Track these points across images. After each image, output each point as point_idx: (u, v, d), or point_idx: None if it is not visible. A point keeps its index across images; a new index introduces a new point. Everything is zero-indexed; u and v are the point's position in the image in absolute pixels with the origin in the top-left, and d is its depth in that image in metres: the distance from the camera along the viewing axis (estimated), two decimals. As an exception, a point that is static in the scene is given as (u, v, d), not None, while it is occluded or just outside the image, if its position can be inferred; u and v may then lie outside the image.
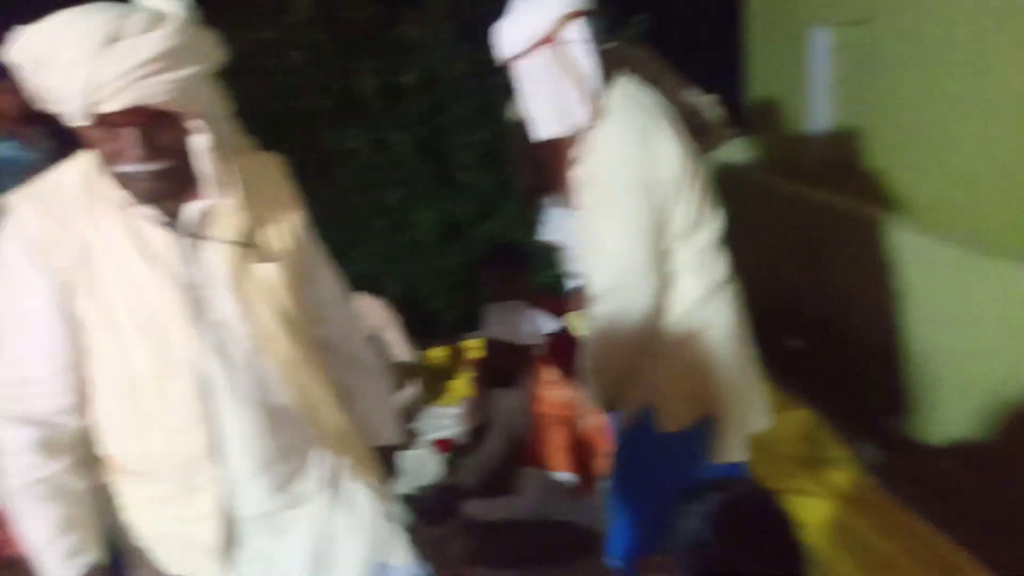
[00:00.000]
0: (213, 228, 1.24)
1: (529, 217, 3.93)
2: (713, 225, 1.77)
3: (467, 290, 4.24)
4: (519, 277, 3.51)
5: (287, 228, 1.33)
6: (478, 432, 3.18)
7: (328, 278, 1.45)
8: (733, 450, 1.82)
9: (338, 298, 1.48)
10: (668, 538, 1.25)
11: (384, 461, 1.54)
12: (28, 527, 1.20)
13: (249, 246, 1.26)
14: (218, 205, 1.22)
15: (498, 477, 2.93)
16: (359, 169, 4.13)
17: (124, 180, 1.14)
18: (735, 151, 4.12)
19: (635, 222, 1.66)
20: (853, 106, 3.76)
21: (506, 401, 2.98)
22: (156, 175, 1.13)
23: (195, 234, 1.22)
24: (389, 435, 1.57)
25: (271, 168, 1.36)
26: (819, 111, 3.97)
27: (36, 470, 1.19)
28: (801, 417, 2.84)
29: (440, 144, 4.19)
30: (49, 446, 1.21)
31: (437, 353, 3.80)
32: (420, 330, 3.70)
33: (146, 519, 1.31)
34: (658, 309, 1.72)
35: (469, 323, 4.07)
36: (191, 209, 1.21)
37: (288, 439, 1.32)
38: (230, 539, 1.31)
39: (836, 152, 3.83)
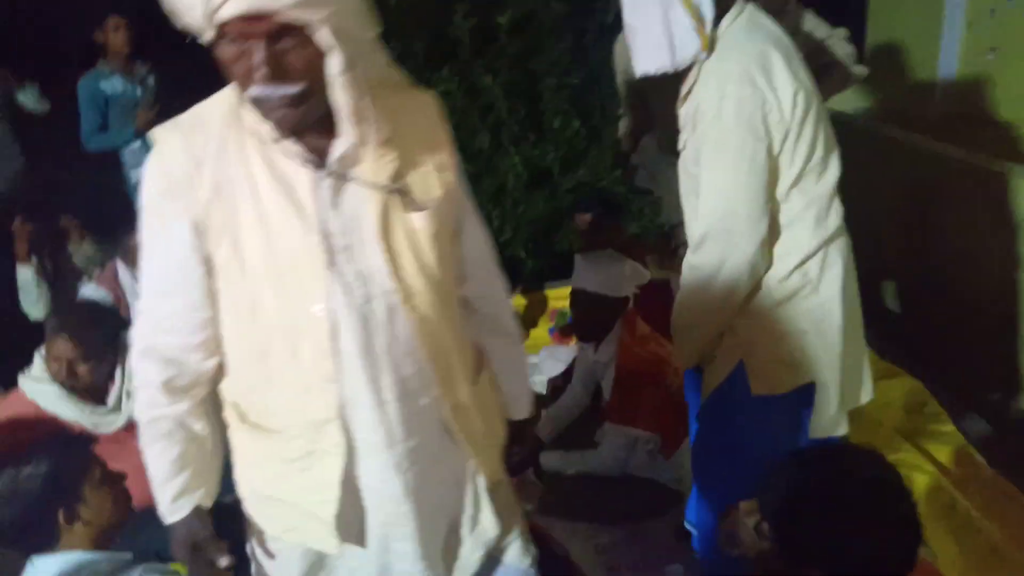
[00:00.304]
0: (359, 170, 1.13)
1: (624, 163, 3.83)
2: (830, 173, 1.63)
3: (552, 238, 4.18)
4: (612, 226, 3.41)
5: (438, 175, 1.21)
6: (559, 384, 3.14)
7: (476, 233, 1.33)
8: (833, 423, 1.69)
9: (485, 256, 1.36)
10: (762, 495, 1.17)
11: (516, 435, 1.48)
12: (148, 461, 1.22)
13: (398, 192, 1.15)
14: (365, 145, 1.12)
15: (577, 431, 2.90)
16: (449, 113, 4.07)
17: (259, 107, 1.05)
18: (851, 97, 3.83)
19: (746, 165, 1.54)
20: (985, 52, 3.42)
21: (590, 354, 2.92)
22: (289, 101, 1.03)
23: (340, 175, 1.12)
24: (523, 408, 1.50)
25: (425, 107, 1.24)
26: (949, 56, 3.63)
27: (158, 407, 1.20)
28: (905, 386, 2.67)
29: (531, 89, 4.09)
30: (173, 384, 1.20)
31: (518, 301, 3.76)
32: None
33: (265, 477, 1.27)
34: (762, 261, 1.61)
35: (552, 272, 4.02)
36: (337, 148, 1.11)
37: (417, 410, 1.23)
38: (348, 513, 1.23)
39: (965, 103, 3.50)
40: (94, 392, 2.22)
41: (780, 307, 1.63)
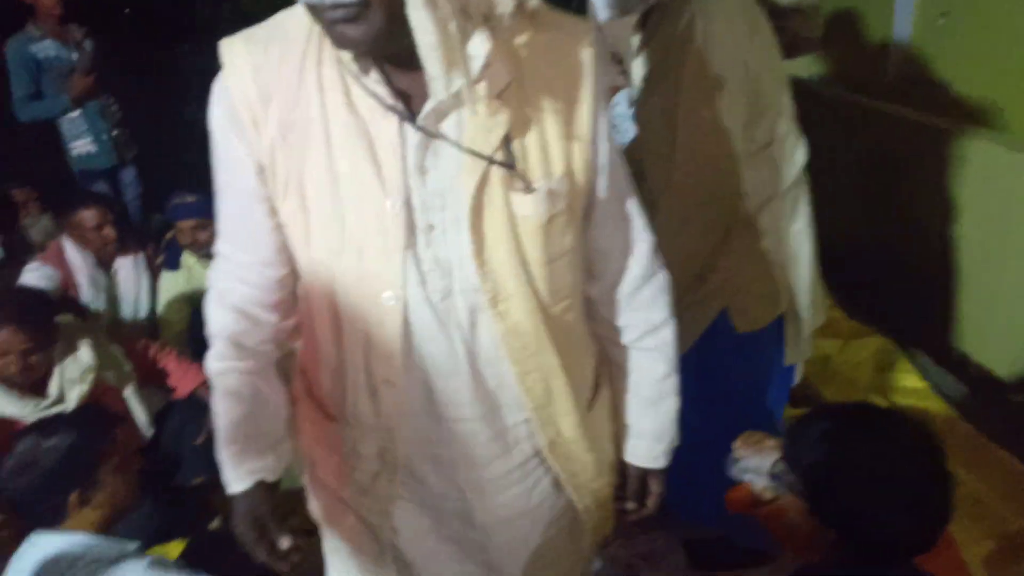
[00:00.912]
0: (459, 129, 0.89)
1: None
2: (788, 113, 1.69)
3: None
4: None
5: (567, 145, 0.94)
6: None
7: (618, 224, 1.05)
8: (806, 348, 1.83)
9: (625, 252, 1.07)
10: (790, 444, 1.16)
11: (635, 487, 1.20)
12: (216, 419, 1.09)
13: (503, 164, 0.90)
14: (469, 96, 0.86)
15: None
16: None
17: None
18: (806, 62, 3.88)
19: (736, 110, 1.56)
20: (937, 17, 3.49)
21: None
22: (345, 14, 0.78)
23: (431, 132, 0.89)
24: (652, 453, 1.18)
25: (574, 50, 0.93)
26: (902, 20, 3.69)
27: (227, 360, 1.06)
28: (875, 345, 2.74)
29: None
30: (244, 340, 1.06)
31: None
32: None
33: (330, 468, 1.14)
34: (739, 201, 1.64)
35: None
36: (442, 94, 0.85)
37: (501, 431, 1.06)
38: (410, 543, 1.13)
39: (918, 67, 3.58)
40: (37, 385, 2.09)
41: (758, 244, 1.68)
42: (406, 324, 0.96)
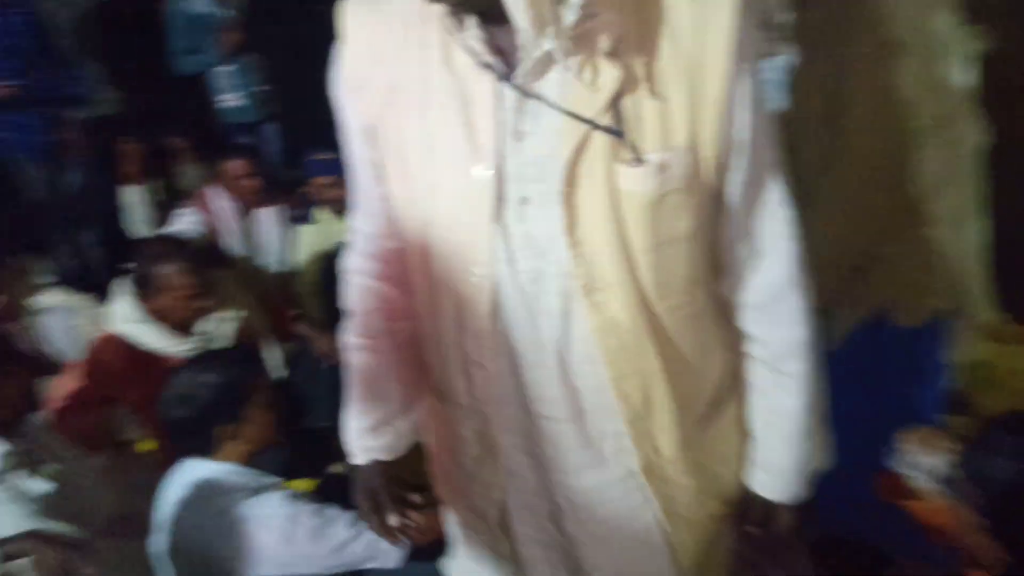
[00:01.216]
0: (560, 88, 0.80)
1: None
2: (970, 89, 1.51)
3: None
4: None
5: (693, 112, 0.80)
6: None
7: (765, 216, 0.88)
8: (964, 349, 1.69)
9: (779, 252, 0.90)
10: (973, 455, 1.07)
11: (759, 514, 1.01)
12: (346, 387, 1.09)
13: (609, 131, 0.79)
14: (574, 51, 0.77)
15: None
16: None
17: None
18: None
19: (915, 80, 1.43)
20: None
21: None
22: None
23: (527, 92, 0.80)
24: (781, 485, 1.00)
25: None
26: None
27: (355, 335, 1.05)
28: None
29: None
30: (369, 315, 1.04)
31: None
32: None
33: (440, 454, 1.12)
34: (909, 184, 1.51)
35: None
36: (534, 50, 0.77)
37: (595, 437, 0.95)
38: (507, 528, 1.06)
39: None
40: (185, 325, 2.24)
41: (921, 232, 1.56)
42: (495, 304, 0.88)
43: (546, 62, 0.78)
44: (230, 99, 3.68)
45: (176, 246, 2.27)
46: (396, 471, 1.09)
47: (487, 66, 0.81)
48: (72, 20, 3.53)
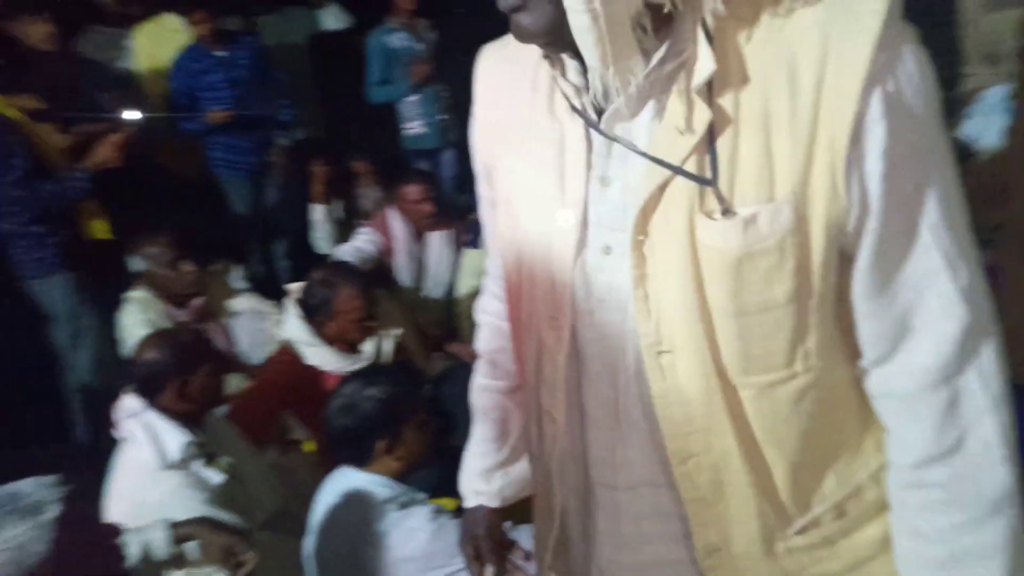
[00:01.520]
0: (648, 132, 0.74)
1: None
2: None
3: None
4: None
5: (817, 159, 0.68)
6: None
7: (917, 288, 0.72)
8: None
9: (934, 333, 0.73)
10: None
11: None
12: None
13: (692, 177, 0.71)
14: (625, 89, 0.71)
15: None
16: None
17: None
18: None
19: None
20: None
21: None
22: (516, 2, 0.70)
23: (609, 135, 0.75)
24: None
25: (843, 24, 0.67)
26: None
27: (481, 376, 1.06)
28: None
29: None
30: (495, 357, 1.04)
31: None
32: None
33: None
34: None
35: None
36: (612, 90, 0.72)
37: (646, 514, 0.85)
38: None
39: None
40: (352, 345, 2.37)
41: None
42: (572, 355, 0.82)
43: (631, 103, 0.72)
44: (413, 127, 3.91)
45: (349, 273, 2.42)
46: (501, 521, 1.08)
47: (576, 110, 0.77)
48: (287, 54, 3.91)
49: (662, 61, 0.70)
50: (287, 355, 2.32)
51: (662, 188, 0.72)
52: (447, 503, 2.19)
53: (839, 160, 0.68)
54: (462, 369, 2.68)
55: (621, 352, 0.79)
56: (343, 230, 3.39)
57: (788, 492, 0.79)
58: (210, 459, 1.75)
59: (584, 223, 0.78)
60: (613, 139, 0.75)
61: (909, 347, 0.73)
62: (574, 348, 0.82)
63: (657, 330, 0.75)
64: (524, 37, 0.72)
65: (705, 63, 0.69)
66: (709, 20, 0.68)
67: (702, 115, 0.70)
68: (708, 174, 0.70)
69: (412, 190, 3.03)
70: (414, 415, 1.76)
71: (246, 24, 3.82)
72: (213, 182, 3.52)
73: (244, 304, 2.89)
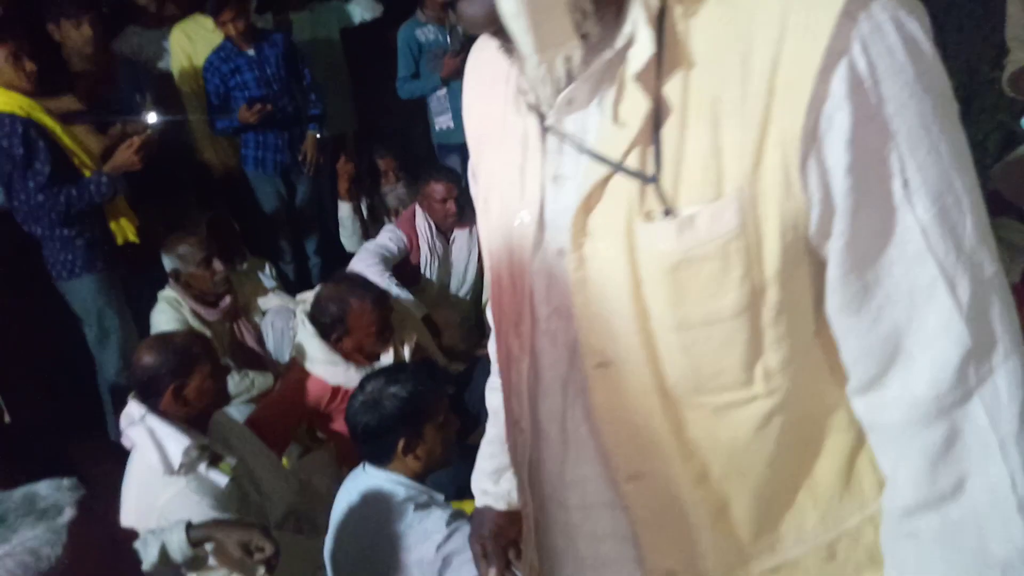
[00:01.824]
0: (596, 125, 0.67)
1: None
2: None
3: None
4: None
5: (770, 151, 0.60)
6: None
7: (913, 296, 0.62)
8: None
9: (926, 359, 0.63)
10: None
11: None
12: None
13: (631, 173, 0.64)
14: (603, 80, 0.65)
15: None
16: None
17: None
18: None
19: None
20: None
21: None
22: None
23: (555, 130, 0.70)
24: None
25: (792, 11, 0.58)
26: None
27: (493, 371, 1.02)
28: None
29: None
30: None
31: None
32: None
33: None
34: None
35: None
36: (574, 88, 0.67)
37: (599, 535, 0.79)
38: None
39: None
40: (370, 358, 2.37)
41: None
42: (533, 365, 0.77)
43: (578, 93, 0.66)
44: (443, 121, 3.91)
45: (359, 287, 2.38)
46: (508, 523, 1.07)
47: (531, 106, 0.71)
48: (320, 49, 3.93)
49: (599, 47, 0.63)
50: (304, 372, 2.31)
51: (603, 185, 0.66)
52: (469, 506, 2.20)
53: (792, 151, 0.59)
54: (484, 365, 2.68)
55: (569, 363, 0.73)
56: (372, 227, 3.42)
57: (751, 526, 0.71)
58: (214, 461, 1.76)
59: (541, 224, 0.72)
60: (560, 135, 0.69)
61: (899, 373, 0.64)
62: (534, 357, 0.76)
63: (598, 340, 0.69)
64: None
65: (643, 47, 0.61)
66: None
67: (639, 105, 0.62)
68: (651, 169, 0.63)
69: (437, 188, 3.04)
70: (436, 414, 1.76)
71: (278, 21, 3.85)
72: (245, 180, 3.57)
73: (274, 302, 2.93)
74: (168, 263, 2.63)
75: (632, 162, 0.64)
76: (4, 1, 2.98)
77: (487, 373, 2.63)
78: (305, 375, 2.30)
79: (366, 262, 2.89)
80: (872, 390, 0.66)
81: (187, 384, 1.79)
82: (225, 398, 1.95)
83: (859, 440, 0.71)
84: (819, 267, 0.64)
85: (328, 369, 2.27)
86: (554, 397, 0.76)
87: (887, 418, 0.66)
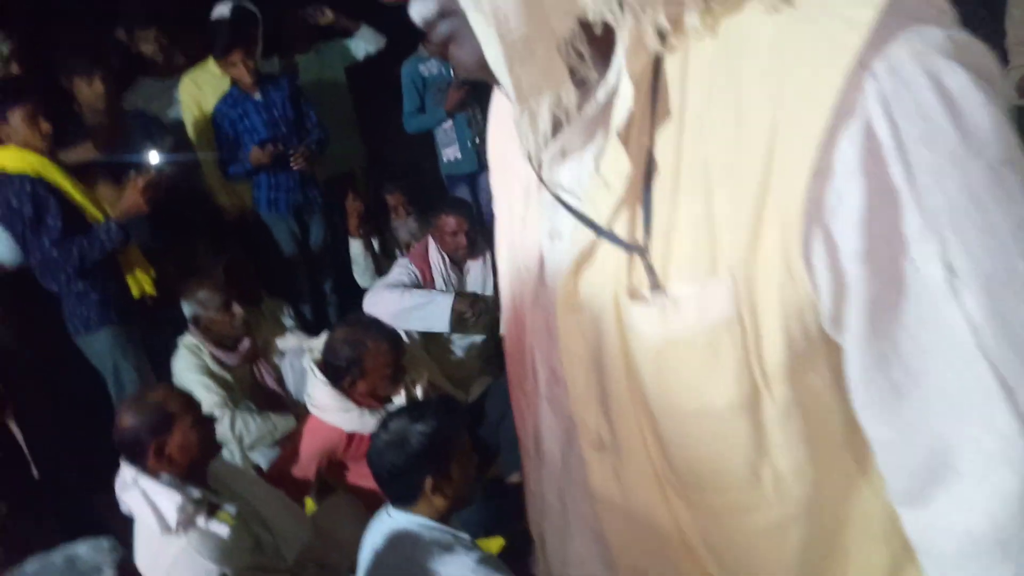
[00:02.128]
0: (588, 181, 0.60)
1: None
2: None
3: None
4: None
5: (768, 226, 0.51)
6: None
7: (956, 410, 0.51)
8: None
9: (971, 465, 0.52)
10: None
11: None
12: None
13: (620, 243, 0.57)
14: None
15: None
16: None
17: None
18: None
19: None
20: None
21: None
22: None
23: (548, 186, 0.63)
24: None
25: (810, 51, 0.49)
26: None
27: None
28: None
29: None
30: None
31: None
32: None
33: None
34: None
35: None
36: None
37: None
38: None
39: None
40: (384, 401, 2.36)
41: None
42: (536, 432, 0.72)
43: (571, 143, 0.60)
44: (450, 152, 3.94)
45: (374, 328, 2.37)
46: None
47: (528, 157, 0.64)
48: (326, 90, 3.99)
49: (594, 92, 0.56)
50: (312, 424, 2.29)
51: (591, 249, 0.59)
52: (493, 544, 2.18)
53: (792, 232, 0.50)
54: (499, 393, 2.66)
55: (568, 437, 0.67)
56: (384, 263, 3.44)
57: None
58: (212, 511, 1.74)
59: (541, 280, 0.66)
60: (550, 190, 0.62)
61: (949, 494, 0.52)
62: (536, 421, 0.72)
63: (593, 419, 0.62)
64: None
65: (624, 101, 0.54)
66: (651, 41, 0.53)
67: (622, 165, 0.55)
68: (641, 237, 0.56)
69: (449, 221, 3.05)
70: (460, 450, 1.74)
71: (284, 65, 3.91)
72: (259, 222, 3.62)
73: (292, 342, 2.95)
74: (188, 309, 2.65)
75: (620, 228, 0.57)
76: (22, 62, 3.05)
77: (500, 404, 2.61)
78: (317, 422, 2.29)
79: (383, 297, 2.90)
80: (914, 507, 0.55)
81: (167, 441, 1.77)
82: (214, 449, 1.91)
83: (905, 554, 0.59)
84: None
85: (341, 416, 2.25)
86: (555, 469, 0.70)
87: (938, 546, 0.55)
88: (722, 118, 0.52)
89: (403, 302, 2.82)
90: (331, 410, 2.25)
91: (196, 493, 1.75)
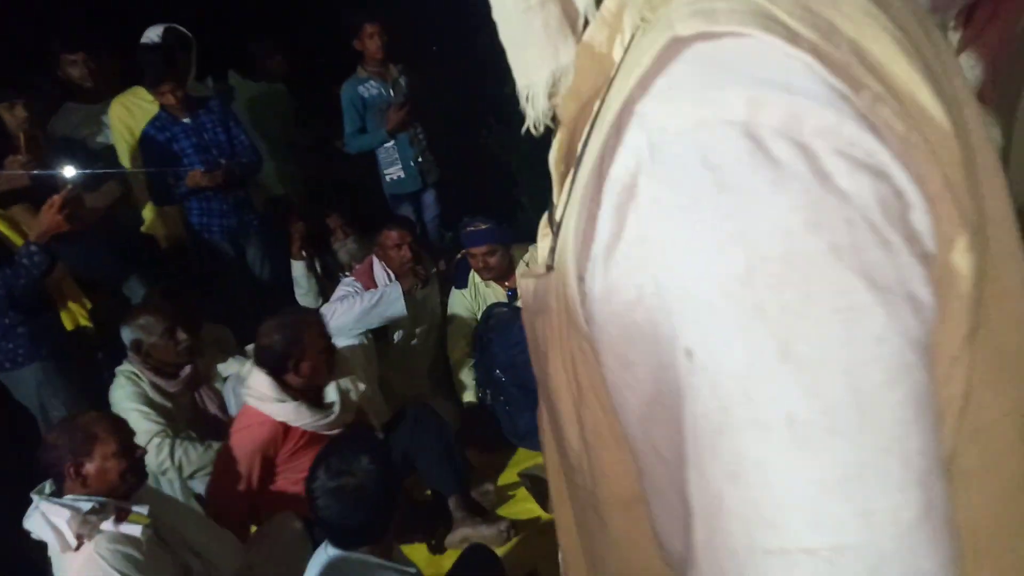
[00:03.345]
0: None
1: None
2: None
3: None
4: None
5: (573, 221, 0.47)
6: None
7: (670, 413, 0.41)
8: None
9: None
10: None
11: None
12: None
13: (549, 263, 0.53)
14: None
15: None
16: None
17: None
18: None
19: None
20: None
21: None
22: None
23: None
24: None
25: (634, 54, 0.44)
26: None
27: None
28: None
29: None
30: None
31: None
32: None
33: None
34: None
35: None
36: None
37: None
38: None
39: None
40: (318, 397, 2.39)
41: None
42: (552, 465, 0.64)
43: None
44: (393, 172, 3.92)
45: (303, 310, 2.42)
46: None
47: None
48: (262, 112, 3.93)
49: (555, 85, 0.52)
50: (246, 420, 2.27)
51: (552, 253, 0.53)
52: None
53: (570, 268, 0.47)
54: (412, 412, 2.67)
55: (568, 479, 0.58)
56: (327, 285, 3.39)
57: None
58: (121, 517, 1.71)
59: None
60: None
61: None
62: (547, 453, 0.64)
63: (578, 464, 0.54)
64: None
65: (578, 90, 0.51)
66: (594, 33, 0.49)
67: (555, 152, 0.54)
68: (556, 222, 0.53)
69: (391, 235, 3.04)
70: (403, 496, 1.79)
71: (218, 87, 3.84)
72: (195, 247, 3.52)
73: (234, 367, 2.87)
74: (128, 335, 2.54)
75: (558, 212, 0.53)
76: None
77: (414, 426, 2.62)
78: (247, 421, 2.26)
79: (338, 309, 2.87)
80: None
81: (84, 464, 1.76)
82: (138, 477, 1.86)
83: None
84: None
85: (278, 407, 2.23)
86: (564, 511, 0.61)
87: None
88: (603, 114, 0.46)
89: (359, 306, 2.85)
90: (268, 400, 2.23)
91: (92, 504, 1.71)
